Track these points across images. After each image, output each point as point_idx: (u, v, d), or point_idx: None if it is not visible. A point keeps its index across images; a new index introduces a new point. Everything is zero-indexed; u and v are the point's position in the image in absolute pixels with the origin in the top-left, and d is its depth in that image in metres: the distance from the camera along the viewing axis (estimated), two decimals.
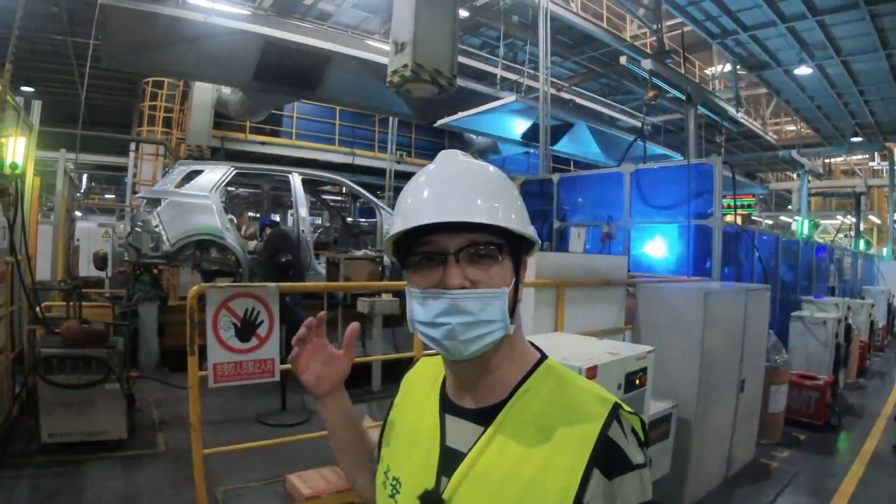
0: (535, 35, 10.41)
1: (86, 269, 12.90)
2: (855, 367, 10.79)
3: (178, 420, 5.63)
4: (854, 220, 26.79)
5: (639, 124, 16.55)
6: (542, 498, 0.95)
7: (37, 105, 6.99)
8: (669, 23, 14.83)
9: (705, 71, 21.05)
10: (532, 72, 11.58)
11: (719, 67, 20.48)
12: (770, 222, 31.75)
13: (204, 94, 14.05)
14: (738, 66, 16.06)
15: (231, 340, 3.31)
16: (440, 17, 6.11)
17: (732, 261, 8.56)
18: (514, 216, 1.03)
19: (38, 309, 5.52)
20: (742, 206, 24.51)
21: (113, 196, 27.20)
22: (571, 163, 21.52)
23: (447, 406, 1.13)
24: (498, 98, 12.09)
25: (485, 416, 1.05)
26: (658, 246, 8.24)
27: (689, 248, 7.69)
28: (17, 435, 5.19)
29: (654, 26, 12.75)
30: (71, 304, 6.02)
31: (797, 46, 13.40)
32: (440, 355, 1.14)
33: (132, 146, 17.63)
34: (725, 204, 10.97)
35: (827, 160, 31.20)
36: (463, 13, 10.49)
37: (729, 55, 15.30)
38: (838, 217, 32.14)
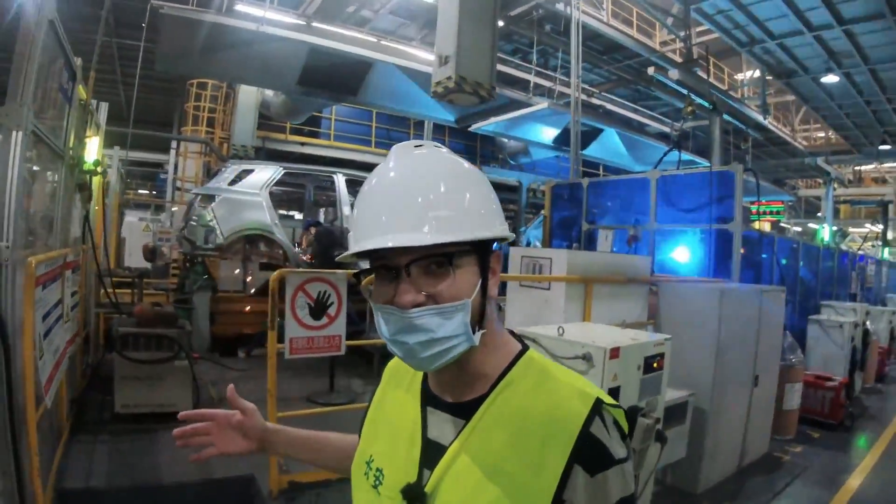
0: (567, 43, 10.80)
1: (129, 260, 13.53)
2: (873, 371, 11.02)
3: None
4: (881, 228, 26.78)
5: (667, 129, 16.87)
6: (522, 493, 0.95)
7: (104, 106, 7.57)
8: (698, 29, 15.11)
9: (735, 77, 21.23)
10: (564, 78, 11.94)
11: (748, 73, 20.64)
12: (799, 229, 31.70)
13: (249, 96, 14.68)
14: (766, 74, 16.27)
15: (306, 318, 3.80)
16: (481, 33, 6.53)
17: (752, 264, 8.91)
18: (468, 219, 0.98)
19: (110, 293, 6.08)
20: (771, 213, 24.66)
21: (147, 191, 27.95)
22: (601, 167, 21.87)
23: (429, 399, 1.12)
24: (530, 104, 12.49)
25: (466, 410, 1.05)
26: (681, 249, 8.60)
27: (710, 251, 8.06)
28: (87, 407, 5.65)
29: (682, 33, 13.03)
30: (135, 290, 6.61)
31: (824, 55, 13.59)
32: None
33: (174, 144, 18.35)
34: (753, 210, 11.34)
35: (857, 167, 31.06)
36: (498, 22, 10.87)
37: (757, 63, 15.55)
38: (867, 225, 32.03)
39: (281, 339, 3.81)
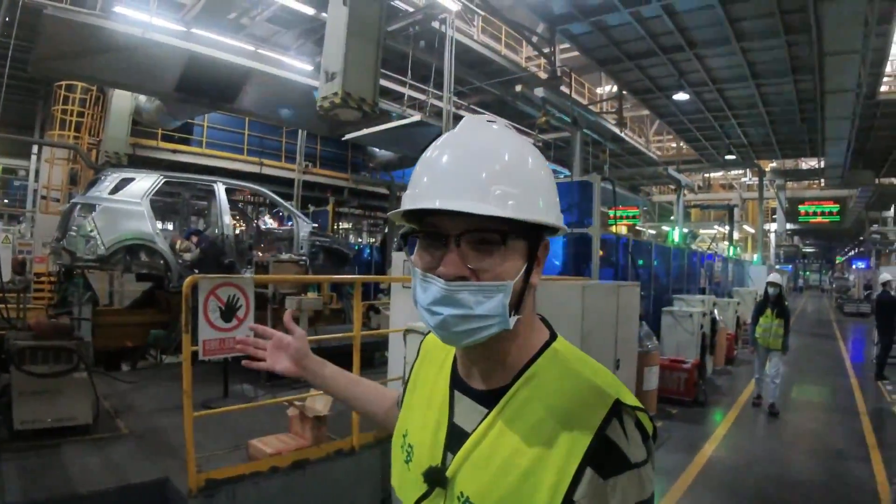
0: (440, 58, 11.37)
1: None
2: (723, 355, 12.46)
3: (129, 409, 6.08)
4: (728, 229, 29.50)
5: (530, 140, 17.86)
6: (534, 490, 0.95)
7: None
8: (562, 47, 16.19)
9: (595, 90, 22.72)
10: (437, 92, 12.49)
11: (607, 88, 22.19)
12: (653, 232, 34.16)
13: (123, 101, 14.12)
14: (623, 91, 17.68)
15: (217, 321, 4.03)
16: (367, 51, 6.92)
17: (610, 264, 9.86)
18: (529, 201, 0.98)
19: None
20: (627, 217, 26.58)
21: None
22: None
23: (457, 382, 1.14)
24: (404, 116, 12.97)
25: (489, 399, 1.05)
26: None
27: (572, 253, 8.87)
28: None
29: (547, 50, 13.97)
30: (20, 304, 6.40)
31: (676, 74, 15.09)
32: None
33: (34, 149, 17.31)
34: (612, 214, 12.42)
35: (706, 175, 33.96)
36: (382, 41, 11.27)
37: (615, 80, 16.89)
38: (716, 227, 35.09)
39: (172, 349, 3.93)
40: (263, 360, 1.54)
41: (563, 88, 14.29)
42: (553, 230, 1.05)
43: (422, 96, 13.71)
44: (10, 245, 15.29)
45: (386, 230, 19.75)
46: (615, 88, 19.32)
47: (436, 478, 1.05)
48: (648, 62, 14.60)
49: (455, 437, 1.07)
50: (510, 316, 0.98)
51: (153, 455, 4.79)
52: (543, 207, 1.00)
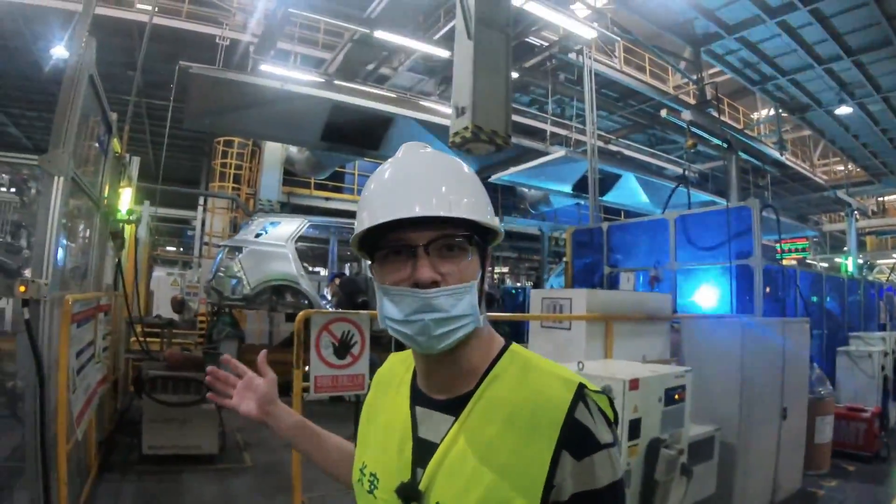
0: (582, 92, 11.05)
1: (157, 312, 13.86)
2: None
3: (260, 442, 6.22)
4: None
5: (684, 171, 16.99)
6: (514, 482, 0.97)
7: (136, 161, 7.83)
8: (711, 71, 15.35)
9: (751, 115, 21.39)
10: (580, 126, 12.16)
11: (764, 112, 20.79)
12: (826, 265, 31.34)
13: (274, 152, 15.12)
14: (780, 110, 16.40)
15: (330, 358, 3.91)
16: (496, 84, 6.71)
17: (776, 300, 8.88)
18: (482, 208, 1.06)
19: (140, 339, 6.27)
20: (796, 250, 24.53)
21: (174, 248, 28.59)
22: (622, 213, 21.99)
23: (417, 398, 1.15)
24: (547, 153, 12.71)
25: (455, 406, 1.07)
26: (703, 287, 8.60)
27: (732, 287, 8.06)
28: (115, 449, 5.77)
29: (695, 76, 13.25)
30: (164, 339, 6.76)
31: (836, 87, 13.79)
32: (409, 350, 1.17)
33: (201, 200, 18.81)
34: (779, 248, 11.33)
35: (880, 198, 30.87)
36: (513, 74, 11.16)
37: (770, 100, 15.71)
38: (894, 255, 31.59)
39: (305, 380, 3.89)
40: (230, 396, 1.47)
41: (715, 114, 13.44)
42: (494, 238, 1.11)
43: (565, 132, 13.46)
44: (180, 287, 16.60)
45: (542, 273, 19.48)
46: (772, 112, 18.05)
47: (409, 493, 1.05)
48: (804, 76, 13.46)
49: (422, 451, 1.07)
50: (480, 314, 1.04)
51: (271, 490, 4.80)
52: (490, 214, 1.08)
